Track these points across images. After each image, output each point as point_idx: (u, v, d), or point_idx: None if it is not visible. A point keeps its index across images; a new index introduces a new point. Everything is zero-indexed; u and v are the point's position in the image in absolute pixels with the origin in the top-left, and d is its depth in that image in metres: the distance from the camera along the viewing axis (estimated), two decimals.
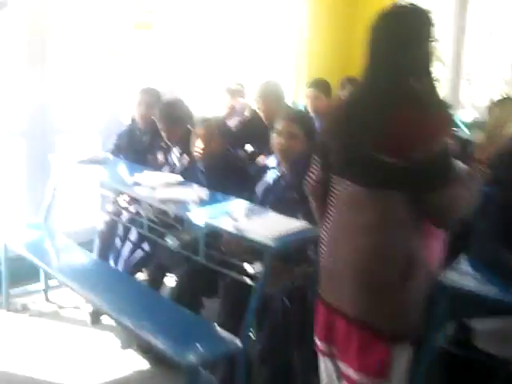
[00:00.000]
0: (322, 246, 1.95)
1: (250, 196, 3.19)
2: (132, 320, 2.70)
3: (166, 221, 3.19)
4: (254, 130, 4.12)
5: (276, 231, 2.53)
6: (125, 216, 3.69)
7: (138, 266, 3.57)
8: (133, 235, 3.60)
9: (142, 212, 3.39)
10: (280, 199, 3.07)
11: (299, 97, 5.56)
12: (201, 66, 5.08)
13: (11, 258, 3.62)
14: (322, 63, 5.67)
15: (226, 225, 2.65)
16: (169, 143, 3.69)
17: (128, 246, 3.59)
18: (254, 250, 2.70)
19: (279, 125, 3.08)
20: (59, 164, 3.70)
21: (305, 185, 2.09)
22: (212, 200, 2.98)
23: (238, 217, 2.69)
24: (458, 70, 5.84)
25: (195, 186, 3.11)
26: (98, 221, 3.84)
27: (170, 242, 3.03)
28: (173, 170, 3.67)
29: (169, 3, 4.54)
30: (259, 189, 3.22)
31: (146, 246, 3.54)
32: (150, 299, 3.05)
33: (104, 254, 3.76)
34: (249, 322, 2.47)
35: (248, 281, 2.62)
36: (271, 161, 3.22)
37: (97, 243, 3.82)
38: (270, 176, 3.18)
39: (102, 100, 4.33)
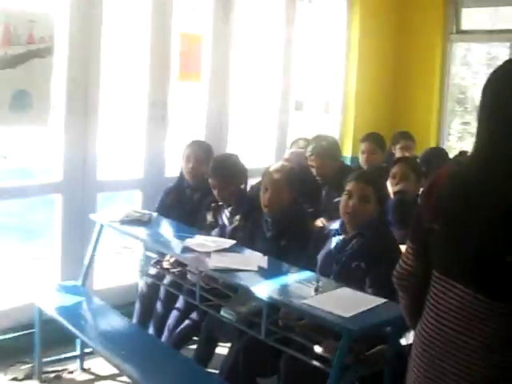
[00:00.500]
0: (416, 359, 1.51)
1: (308, 261, 2.92)
2: None
3: (219, 290, 2.89)
4: (305, 187, 3.86)
5: (352, 309, 2.23)
6: (167, 279, 3.40)
7: (185, 339, 3.24)
8: (180, 303, 3.29)
9: (190, 278, 3.13)
10: (344, 268, 2.79)
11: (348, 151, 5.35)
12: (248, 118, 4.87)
13: (45, 321, 3.32)
14: (369, 116, 5.46)
15: (294, 300, 2.35)
16: (220, 202, 3.43)
17: (174, 315, 3.27)
18: (321, 328, 2.41)
19: (350, 185, 2.84)
20: (101, 223, 3.44)
21: (396, 274, 1.62)
22: (272, 269, 2.69)
23: (306, 292, 2.39)
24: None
25: (254, 253, 2.82)
26: (140, 283, 3.56)
27: (226, 314, 2.72)
28: (223, 232, 3.41)
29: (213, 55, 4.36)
30: (320, 256, 2.93)
31: (194, 316, 3.22)
32: (197, 378, 2.74)
33: (144, 319, 3.48)
34: None
35: (317, 364, 2.31)
36: (335, 224, 2.94)
37: (137, 307, 3.54)
38: (333, 241, 2.90)
39: (145, 155, 4.09)
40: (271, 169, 3.20)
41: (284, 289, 2.47)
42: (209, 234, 3.32)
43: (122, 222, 3.31)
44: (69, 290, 3.45)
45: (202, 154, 3.71)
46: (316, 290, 2.43)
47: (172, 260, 3.34)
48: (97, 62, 3.73)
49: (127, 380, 3.30)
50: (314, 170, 3.90)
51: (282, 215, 3.15)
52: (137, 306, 3.54)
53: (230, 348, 2.91)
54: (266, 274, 2.62)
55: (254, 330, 2.58)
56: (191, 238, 3.01)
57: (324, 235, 2.99)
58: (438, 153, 4.53)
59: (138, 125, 4.11)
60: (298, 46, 4.94)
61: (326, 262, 2.87)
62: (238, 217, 3.37)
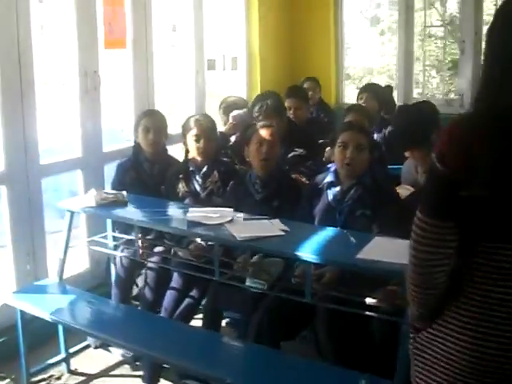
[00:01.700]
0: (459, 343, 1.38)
1: (303, 218, 2.98)
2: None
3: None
4: None
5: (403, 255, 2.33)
6: (153, 259, 3.25)
7: (188, 318, 3.15)
8: (176, 282, 3.17)
9: (182, 254, 3.06)
10: (349, 217, 2.90)
11: None
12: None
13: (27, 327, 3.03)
14: (273, 70, 5.55)
15: (342, 257, 2.41)
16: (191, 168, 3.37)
17: (172, 296, 3.15)
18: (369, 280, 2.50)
19: (345, 136, 2.90)
20: (71, 211, 3.15)
21: (429, 262, 1.37)
22: (297, 231, 2.70)
23: (347, 247, 2.47)
24: None
25: (269, 220, 2.80)
26: (113, 267, 3.37)
27: (255, 284, 2.70)
28: (196, 200, 3.34)
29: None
30: (318, 210, 3.01)
31: (194, 293, 3.14)
32: (216, 343, 2.75)
33: (125, 303, 3.34)
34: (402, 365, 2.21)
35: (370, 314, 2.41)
36: (327, 178, 3.01)
37: (115, 292, 3.36)
38: (330, 194, 2.98)
39: (81, 131, 3.78)
40: (260, 125, 3.18)
41: (325, 248, 2.49)
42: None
43: (101, 206, 3.06)
44: (46, 289, 3.16)
45: (160, 123, 3.57)
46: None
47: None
48: (27, 35, 3.33)
49: (119, 373, 3.18)
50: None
51: (272, 175, 3.15)
52: (114, 291, 3.36)
53: (252, 315, 2.87)
54: (295, 236, 2.63)
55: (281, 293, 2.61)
56: (192, 213, 2.89)
57: (317, 190, 3.05)
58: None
59: (69, 98, 3.76)
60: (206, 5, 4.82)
61: (327, 215, 2.96)
62: (211, 179, 3.34)
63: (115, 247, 3.32)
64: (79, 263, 3.81)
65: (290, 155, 3.84)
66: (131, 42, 4.09)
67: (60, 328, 3.15)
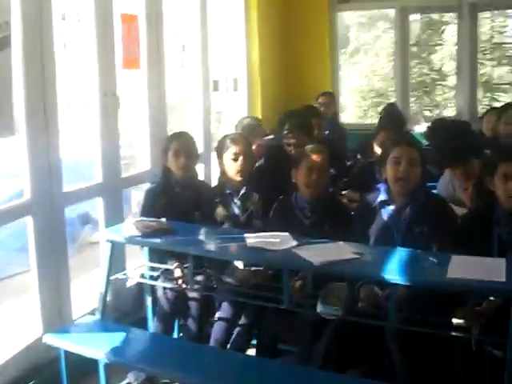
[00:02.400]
0: None
1: (356, 240, 2.88)
2: None
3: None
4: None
5: (491, 273, 2.28)
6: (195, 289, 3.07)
7: (243, 348, 2.98)
8: (225, 311, 3.00)
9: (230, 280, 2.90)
10: (407, 236, 2.81)
11: None
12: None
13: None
14: (272, 91, 5.49)
15: (431, 277, 2.32)
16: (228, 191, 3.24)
17: (221, 327, 2.98)
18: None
19: (397, 151, 2.83)
20: (112, 242, 2.94)
21: None
22: (368, 253, 2.60)
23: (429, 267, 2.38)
24: None
25: (335, 243, 2.68)
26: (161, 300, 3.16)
27: (329, 310, 2.55)
28: (235, 223, 3.19)
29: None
30: (373, 230, 2.91)
31: (244, 320, 2.98)
32: (278, 371, 2.61)
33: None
34: None
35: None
36: (380, 197, 2.93)
37: (157, 326, 3.15)
38: (384, 213, 2.89)
39: (101, 155, 3.57)
40: (310, 149, 3.06)
41: (409, 269, 2.39)
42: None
43: (145, 235, 2.86)
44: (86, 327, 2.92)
45: (191, 146, 3.41)
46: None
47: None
48: (50, 54, 3.12)
49: None
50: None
51: (320, 198, 3.05)
52: (157, 325, 3.14)
53: (313, 342, 2.74)
54: (371, 258, 2.52)
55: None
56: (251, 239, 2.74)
57: (369, 210, 2.96)
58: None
59: (90, 120, 3.56)
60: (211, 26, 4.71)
61: (384, 235, 2.86)
62: (251, 200, 3.22)
63: (154, 278, 3.11)
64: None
65: None
66: (146, 62, 3.93)
67: (101, 365, 2.91)
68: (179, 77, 4.77)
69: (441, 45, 11.02)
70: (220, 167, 3.31)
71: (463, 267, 2.35)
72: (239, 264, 3.07)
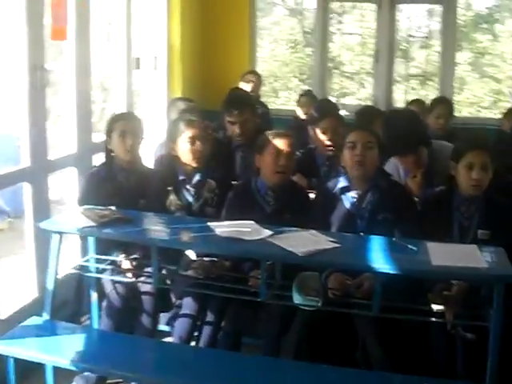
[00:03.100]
0: None
1: (315, 227, 2.83)
2: None
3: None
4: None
5: (480, 260, 2.32)
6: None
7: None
8: (189, 307, 2.83)
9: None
10: (370, 222, 2.81)
11: None
12: None
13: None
14: (194, 71, 5.28)
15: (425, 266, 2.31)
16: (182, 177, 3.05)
17: (185, 323, 2.80)
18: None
19: (353, 136, 2.81)
20: (59, 232, 2.63)
21: None
22: (349, 242, 2.55)
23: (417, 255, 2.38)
24: None
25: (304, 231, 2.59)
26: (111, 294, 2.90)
27: (307, 301, 2.47)
28: (188, 213, 3.02)
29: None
30: (335, 218, 2.88)
31: (210, 317, 2.83)
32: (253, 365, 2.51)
33: None
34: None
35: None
36: (340, 183, 2.89)
37: (105, 323, 2.89)
38: (345, 200, 2.86)
39: (29, 136, 3.20)
40: (275, 134, 2.93)
41: (393, 258, 2.36)
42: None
43: (103, 225, 2.60)
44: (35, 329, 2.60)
45: (138, 127, 3.16)
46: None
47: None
48: None
49: None
50: (235, 128, 3.63)
51: (284, 185, 2.95)
52: (107, 322, 2.89)
53: (289, 331, 2.66)
54: (351, 247, 2.48)
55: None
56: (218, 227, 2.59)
57: (329, 197, 2.91)
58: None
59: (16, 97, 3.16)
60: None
61: (346, 222, 2.84)
62: (206, 187, 3.04)
63: (100, 271, 2.86)
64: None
65: None
66: (74, 34, 3.57)
67: (48, 369, 2.62)
68: (104, 52, 4.38)
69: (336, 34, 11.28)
70: (172, 152, 3.08)
71: (443, 254, 2.37)
72: (191, 255, 2.90)
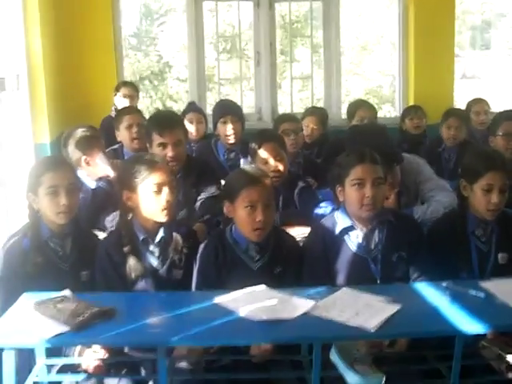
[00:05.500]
0: None
1: (318, 279, 2.35)
2: None
3: None
4: None
5: None
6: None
7: None
8: None
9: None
10: (386, 265, 2.40)
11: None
12: None
13: None
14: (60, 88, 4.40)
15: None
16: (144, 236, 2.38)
17: None
18: None
19: (360, 171, 2.37)
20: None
21: None
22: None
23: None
24: None
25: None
26: None
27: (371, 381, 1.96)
28: (155, 279, 2.36)
29: None
30: (341, 265, 2.43)
31: None
32: None
33: None
34: None
35: None
36: (341, 223, 2.44)
37: None
38: (350, 242, 2.43)
39: None
40: (249, 179, 2.32)
41: (475, 311, 1.94)
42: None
43: (80, 327, 1.78)
44: None
45: (73, 179, 2.36)
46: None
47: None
48: None
49: None
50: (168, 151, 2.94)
51: (269, 237, 2.40)
52: None
53: None
54: (411, 308, 2.02)
55: None
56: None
57: (328, 239, 2.44)
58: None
59: None
60: None
61: (357, 268, 2.41)
62: (173, 246, 2.38)
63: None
64: None
65: (200, 198, 3.02)
66: None
67: None
68: None
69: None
70: (130, 203, 2.34)
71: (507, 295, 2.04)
72: None
